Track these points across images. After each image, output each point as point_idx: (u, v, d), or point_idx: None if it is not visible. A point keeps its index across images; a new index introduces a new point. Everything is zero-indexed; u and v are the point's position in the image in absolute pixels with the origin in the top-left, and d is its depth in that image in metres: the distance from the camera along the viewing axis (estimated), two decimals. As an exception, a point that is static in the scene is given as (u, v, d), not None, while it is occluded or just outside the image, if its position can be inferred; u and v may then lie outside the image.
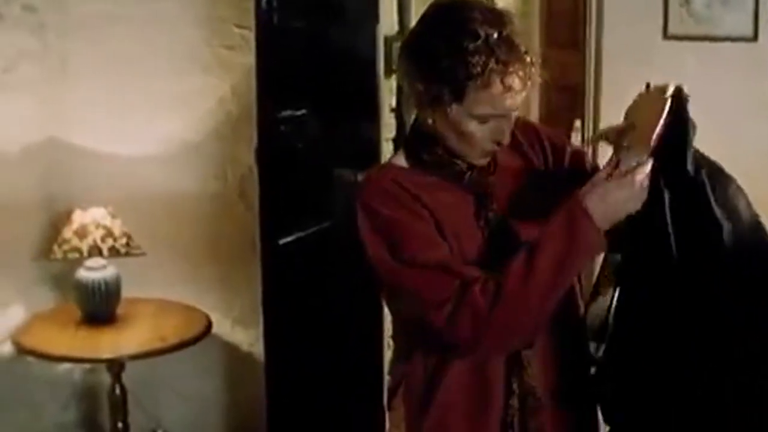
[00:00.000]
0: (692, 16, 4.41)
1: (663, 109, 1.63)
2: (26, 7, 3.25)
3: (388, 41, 3.42)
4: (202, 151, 3.44)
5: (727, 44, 4.36)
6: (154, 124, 3.38)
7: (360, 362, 3.37)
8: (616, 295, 1.81)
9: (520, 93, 1.68)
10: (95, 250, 3.17)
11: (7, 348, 3.24)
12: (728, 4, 4.38)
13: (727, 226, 1.65)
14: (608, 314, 1.81)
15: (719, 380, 1.67)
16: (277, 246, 3.04)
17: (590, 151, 2.37)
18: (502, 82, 1.65)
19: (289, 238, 3.08)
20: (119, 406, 3.21)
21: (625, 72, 3.95)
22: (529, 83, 1.68)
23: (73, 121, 3.33)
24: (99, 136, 3.36)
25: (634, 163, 1.64)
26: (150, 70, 3.35)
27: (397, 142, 3.46)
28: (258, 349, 3.37)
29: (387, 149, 3.48)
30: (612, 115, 1.83)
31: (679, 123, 1.63)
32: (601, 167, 1.73)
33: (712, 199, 1.65)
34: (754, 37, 4.38)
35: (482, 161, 1.79)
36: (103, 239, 3.18)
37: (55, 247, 3.20)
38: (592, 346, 1.88)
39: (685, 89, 1.66)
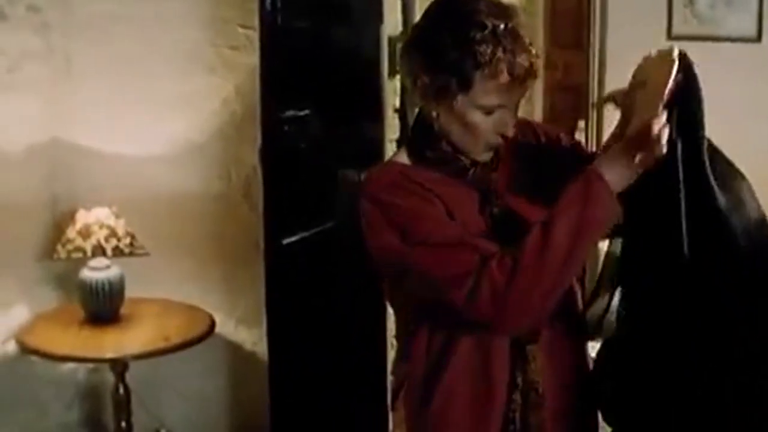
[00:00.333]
0: (696, 17, 4.41)
1: (672, 68, 1.63)
2: (30, 8, 3.25)
3: (392, 41, 3.42)
4: (206, 152, 3.44)
5: (731, 45, 4.36)
6: (158, 125, 3.38)
7: (363, 362, 3.37)
8: (616, 294, 1.81)
9: (525, 83, 1.70)
10: (99, 250, 3.18)
11: (11, 347, 3.25)
12: (732, 5, 4.39)
13: (735, 218, 1.64)
14: (605, 314, 1.81)
15: (719, 380, 1.67)
16: (281, 246, 3.04)
17: (596, 116, 2.36)
18: (509, 71, 1.66)
19: (292, 238, 3.07)
20: (123, 405, 3.22)
21: (629, 72, 3.94)
22: (534, 74, 1.70)
23: (77, 121, 3.33)
24: (103, 136, 3.36)
25: (648, 117, 1.62)
26: (154, 70, 3.35)
27: (401, 143, 3.45)
28: (261, 349, 3.36)
29: (391, 149, 3.46)
30: (615, 116, 1.83)
31: (688, 81, 1.63)
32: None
33: (711, 179, 1.64)
34: (758, 38, 4.39)
35: (485, 156, 1.79)
36: (106, 239, 3.19)
37: (59, 247, 3.20)
38: (589, 344, 1.89)
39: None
